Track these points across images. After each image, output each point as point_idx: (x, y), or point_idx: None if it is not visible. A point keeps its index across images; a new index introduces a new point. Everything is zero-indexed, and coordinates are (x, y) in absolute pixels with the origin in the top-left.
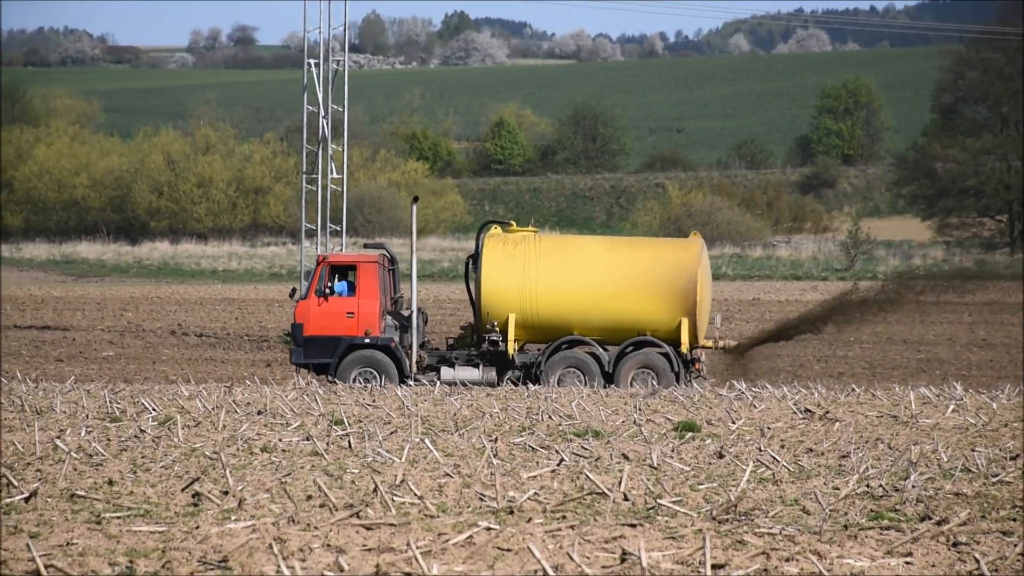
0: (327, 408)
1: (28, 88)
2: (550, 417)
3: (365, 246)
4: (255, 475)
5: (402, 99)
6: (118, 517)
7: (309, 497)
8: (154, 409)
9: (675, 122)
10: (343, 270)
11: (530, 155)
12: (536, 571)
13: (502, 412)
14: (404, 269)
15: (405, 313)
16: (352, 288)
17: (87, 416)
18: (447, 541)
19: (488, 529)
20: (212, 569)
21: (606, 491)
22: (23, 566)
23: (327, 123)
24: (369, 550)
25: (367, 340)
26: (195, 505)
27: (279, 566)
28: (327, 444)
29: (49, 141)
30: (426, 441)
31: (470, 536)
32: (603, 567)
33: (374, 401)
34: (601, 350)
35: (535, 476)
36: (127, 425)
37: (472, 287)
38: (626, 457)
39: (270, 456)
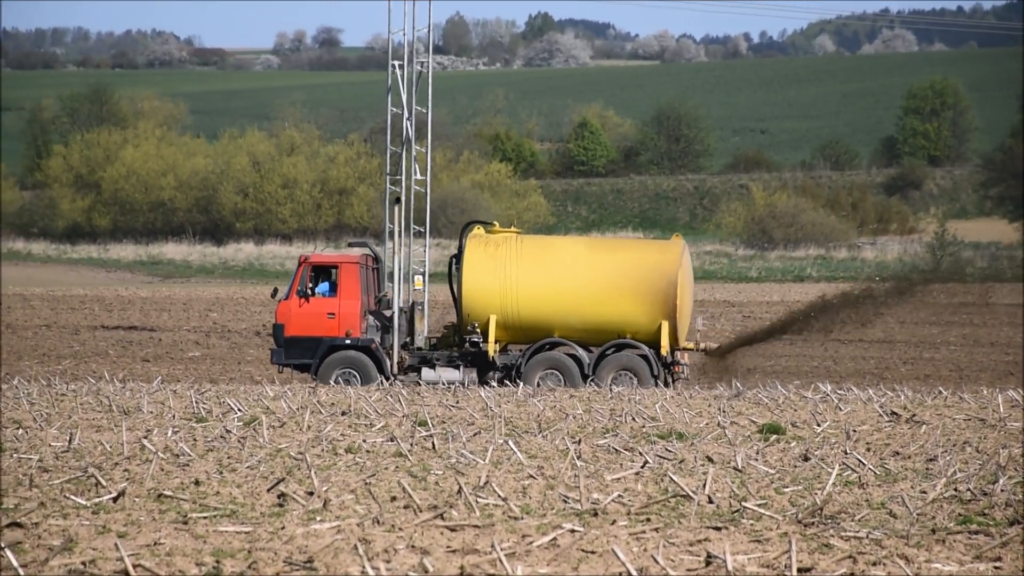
0: (411, 409)
1: (116, 90)
2: (634, 419)
3: (349, 244)
4: (340, 476)
5: (485, 100)
6: (204, 517)
7: (393, 498)
8: (240, 409)
9: (759, 123)
10: (325, 270)
11: (613, 156)
12: (620, 574)
13: (585, 414)
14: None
15: (388, 313)
16: (334, 289)
17: (174, 416)
18: (531, 543)
19: (572, 531)
20: (297, 570)
21: (690, 494)
22: (111, 565)
23: (411, 125)
24: (453, 551)
25: (348, 341)
26: (280, 505)
27: (364, 567)
28: (411, 445)
29: (136, 143)
30: (510, 443)
31: (554, 538)
32: (688, 570)
33: (458, 402)
34: (582, 352)
35: (619, 478)
36: (213, 425)
37: (454, 288)
38: (710, 459)
39: (354, 457)
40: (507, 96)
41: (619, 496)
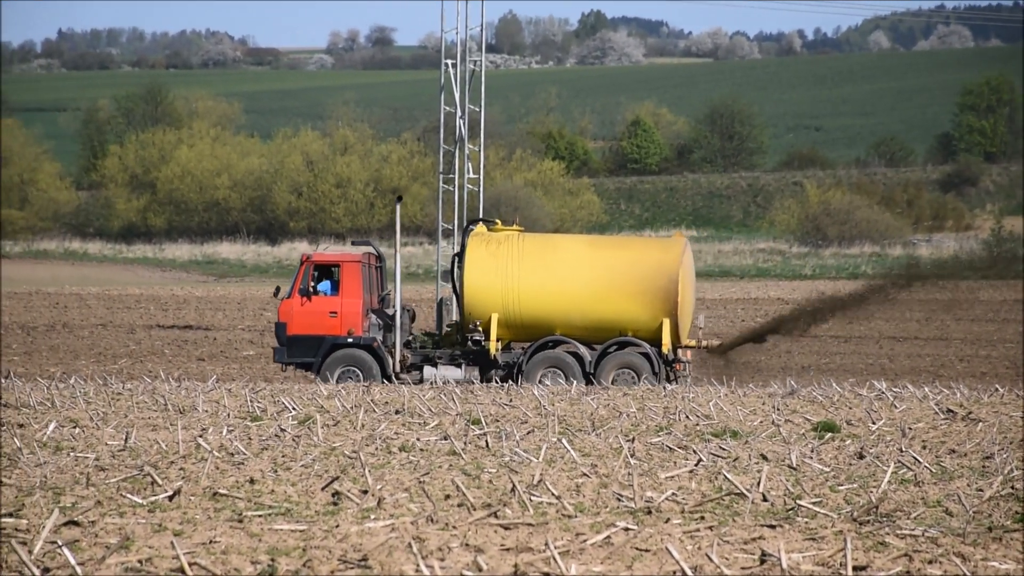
0: (464, 408)
1: (170, 90)
2: (687, 417)
3: (352, 243)
4: (394, 474)
5: (538, 99)
6: (259, 515)
7: (447, 496)
8: (294, 408)
9: (813, 120)
10: (327, 269)
11: (666, 154)
12: (675, 572)
13: (639, 412)
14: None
15: (390, 312)
16: (336, 287)
17: (228, 415)
18: (585, 541)
19: (626, 529)
20: (352, 568)
21: (745, 492)
22: (168, 564)
23: (464, 123)
24: (507, 550)
25: (350, 339)
26: (335, 504)
27: (418, 565)
28: (465, 443)
29: (191, 143)
30: (563, 441)
31: (608, 536)
32: (742, 568)
33: (511, 401)
34: (583, 350)
35: (673, 476)
36: (267, 424)
37: (456, 286)
38: (765, 457)
39: (408, 455)
40: (560, 94)
41: (673, 494)
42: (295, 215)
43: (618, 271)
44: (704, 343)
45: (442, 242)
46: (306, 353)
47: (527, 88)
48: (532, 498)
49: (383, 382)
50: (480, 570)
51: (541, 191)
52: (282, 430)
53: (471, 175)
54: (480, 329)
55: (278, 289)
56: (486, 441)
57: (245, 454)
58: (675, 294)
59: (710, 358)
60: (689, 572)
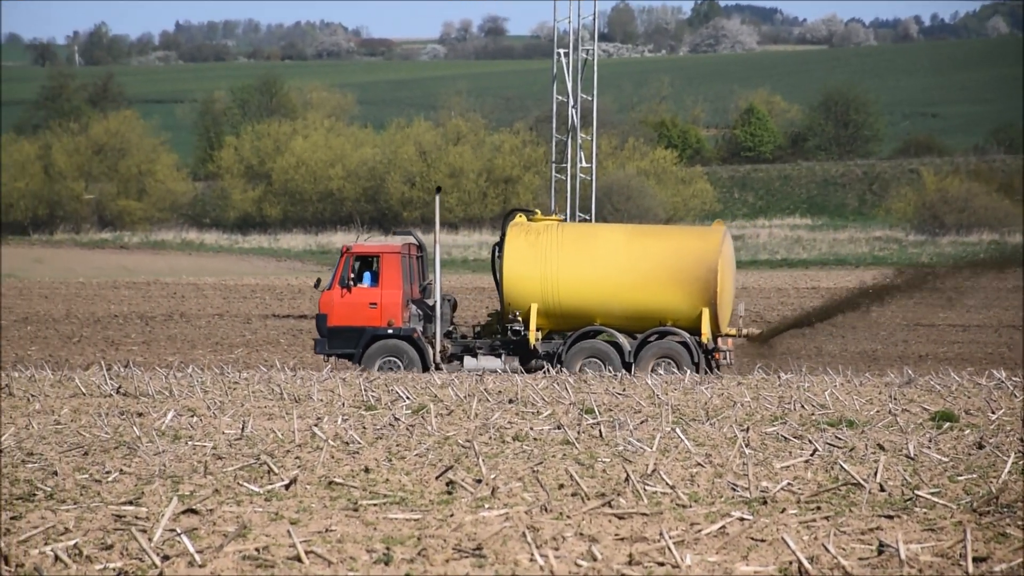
0: (577, 397)
1: (285, 82)
2: (803, 406)
3: (394, 233)
4: (507, 463)
5: (651, 87)
6: (374, 504)
7: (561, 486)
8: (408, 397)
9: (930, 107)
10: (367, 260)
11: (780, 142)
12: (791, 562)
13: (753, 401)
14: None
15: (430, 302)
16: (376, 278)
17: (343, 404)
18: (700, 531)
19: (741, 519)
20: (466, 557)
21: (861, 482)
22: (284, 552)
23: (576, 112)
24: (622, 539)
25: (390, 330)
26: (449, 493)
27: (532, 554)
28: (578, 433)
29: (305, 133)
30: (677, 430)
31: (723, 526)
32: (859, 559)
33: (624, 390)
34: (623, 339)
35: (788, 466)
36: (382, 413)
37: (497, 275)
38: (881, 447)
39: (522, 445)
40: (672, 83)
41: (788, 484)
42: (408, 205)
43: (657, 260)
44: (745, 331)
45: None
46: (347, 344)
47: (640, 77)
48: (646, 488)
49: (423, 372)
50: (594, 560)
51: (654, 180)
52: (396, 419)
53: (583, 164)
54: (520, 319)
55: (319, 281)
56: (600, 430)
57: (360, 443)
58: (714, 283)
59: (751, 346)
60: (805, 562)
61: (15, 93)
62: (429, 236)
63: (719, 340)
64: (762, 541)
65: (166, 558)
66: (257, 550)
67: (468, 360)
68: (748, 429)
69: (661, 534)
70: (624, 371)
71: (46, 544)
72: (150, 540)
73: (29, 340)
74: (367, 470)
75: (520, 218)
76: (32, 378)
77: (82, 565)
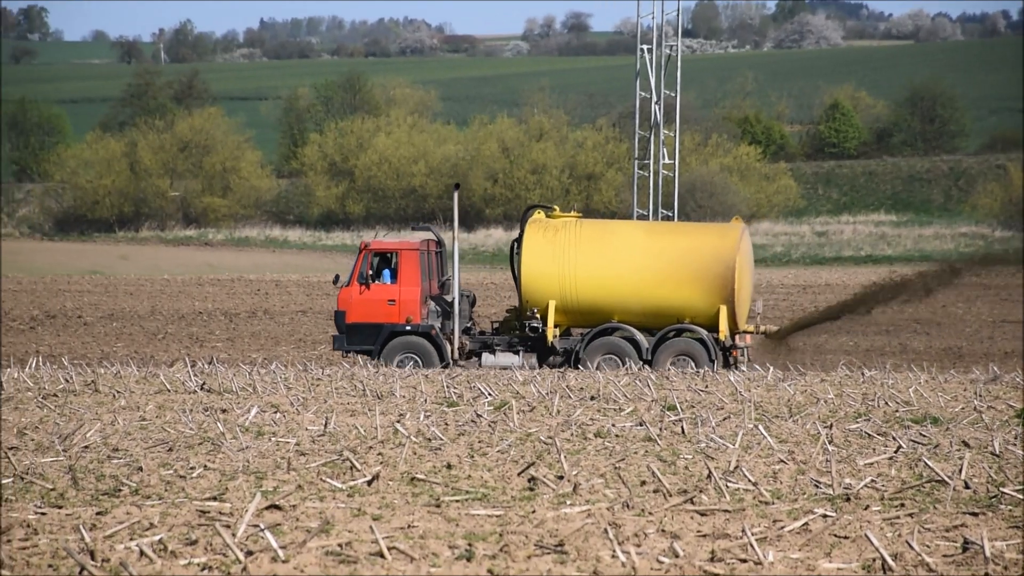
0: (659, 394)
1: (369, 78)
2: (886, 403)
3: (412, 228)
4: (589, 460)
5: (735, 83)
6: (456, 500)
7: (643, 482)
8: (490, 394)
9: (1017, 102)
10: (385, 257)
11: (865, 137)
12: (874, 559)
13: (837, 398)
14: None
15: (449, 298)
16: (394, 275)
17: (425, 400)
18: (782, 528)
19: (824, 516)
20: (548, 553)
21: (946, 479)
22: (367, 548)
23: (659, 108)
24: (703, 536)
25: (408, 327)
26: (531, 489)
27: (614, 551)
28: (660, 430)
29: (388, 130)
30: (759, 427)
31: (806, 523)
32: (944, 556)
33: (707, 387)
34: (641, 336)
35: (871, 463)
36: (464, 410)
37: (515, 272)
38: (966, 444)
39: (604, 441)
40: (756, 78)
41: (872, 481)
42: (491, 202)
43: (675, 258)
44: (762, 329)
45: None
46: (365, 341)
47: (723, 73)
48: (728, 484)
49: (442, 368)
50: (676, 556)
51: (737, 176)
52: (478, 415)
53: (666, 160)
54: (538, 316)
55: (337, 277)
56: (682, 427)
57: (442, 439)
58: (732, 281)
59: (768, 343)
60: (889, 559)
61: (101, 91)
62: (512, 232)
63: (737, 337)
64: (845, 538)
65: (249, 553)
66: (340, 546)
67: (486, 356)
68: (831, 426)
69: (743, 531)
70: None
71: (131, 539)
72: (234, 535)
73: (115, 337)
74: (449, 466)
75: (539, 215)
76: (118, 374)
77: (167, 560)
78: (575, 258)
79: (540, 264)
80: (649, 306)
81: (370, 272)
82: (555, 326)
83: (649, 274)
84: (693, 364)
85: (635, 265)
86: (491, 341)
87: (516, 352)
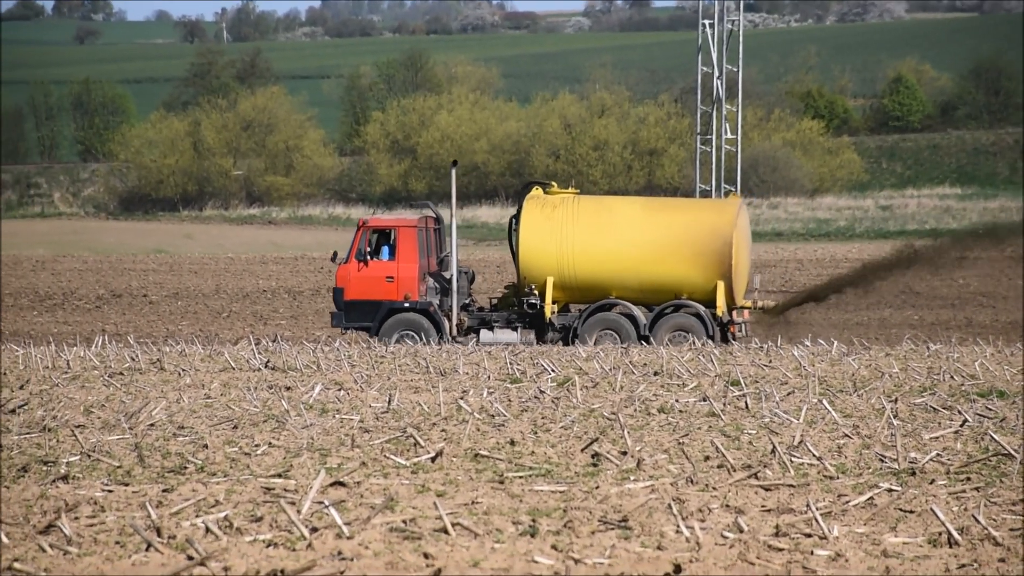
0: (723, 369)
1: (430, 56)
2: (952, 377)
3: (411, 205)
4: (653, 436)
5: (797, 57)
6: (520, 476)
7: (707, 458)
8: (553, 370)
9: None
10: (384, 234)
11: (930, 111)
12: (940, 533)
13: (902, 372)
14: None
15: (447, 275)
16: (392, 252)
17: (488, 377)
18: (847, 502)
19: (889, 491)
20: (612, 528)
21: (1012, 452)
22: (431, 524)
23: (721, 84)
24: (768, 511)
25: (406, 304)
26: (594, 465)
27: (679, 526)
28: (724, 405)
29: (450, 108)
30: (824, 402)
31: (871, 497)
32: (1010, 530)
33: (770, 362)
34: (638, 312)
35: (937, 437)
36: (527, 386)
37: (513, 248)
38: None
39: (667, 417)
40: (819, 52)
41: (937, 455)
42: (553, 178)
43: (672, 233)
44: (759, 304)
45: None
46: (363, 318)
47: (786, 47)
48: (792, 459)
49: (441, 345)
50: (741, 531)
51: (800, 151)
52: (541, 392)
53: (728, 135)
54: (536, 292)
55: (335, 254)
56: (745, 402)
57: (505, 416)
58: (729, 256)
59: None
60: (955, 533)
61: (164, 71)
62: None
63: (734, 313)
64: (911, 512)
65: (314, 530)
66: (404, 522)
67: (484, 333)
68: (896, 400)
69: (808, 505)
70: (640, 343)
71: (197, 516)
72: (298, 512)
73: (179, 315)
74: (512, 443)
75: (537, 191)
76: (183, 353)
77: (232, 537)
78: (573, 234)
79: (538, 240)
80: (647, 282)
81: (368, 249)
82: (553, 302)
83: (647, 250)
84: (692, 340)
85: (633, 241)
86: (489, 318)
87: (514, 328)
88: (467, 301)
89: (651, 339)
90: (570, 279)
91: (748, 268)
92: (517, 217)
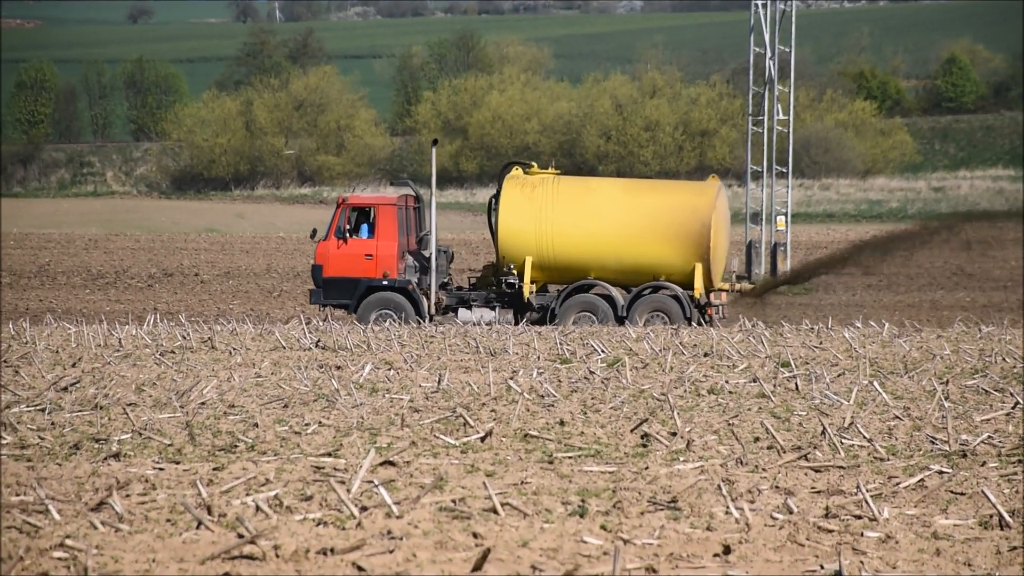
0: (773, 350)
1: (482, 36)
2: (1004, 359)
3: (391, 184)
4: (702, 416)
5: (850, 38)
6: (569, 457)
7: (756, 439)
8: (603, 351)
9: None
10: (363, 212)
11: (983, 92)
12: (991, 515)
13: (953, 354)
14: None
15: (426, 253)
16: (372, 230)
17: (538, 358)
18: (897, 484)
19: (940, 473)
20: (661, 509)
21: None
22: (480, 503)
23: (774, 64)
24: (818, 492)
25: (385, 282)
26: (644, 446)
27: (728, 507)
28: (774, 386)
29: (502, 88)
30: (874, 383)
31: (921, 480)
32: None
33: (821, 343)
34: (616, 293)
35: (988, 419)
36: (577, 367)
37: (492, 228)
38: None
39: (717, 398)
40: (872, 33)
41: (989, 437)
42: (604, 159)
43: (651, 215)
44: (737, 286)
45: (751, 184)
46: (342, 295)
47: (839, 27)
48: (843, 441)
49: (419, 323)
50: (790, 512)
51: (852, 132)
52: (591, 372)
53: (780, 116)
54: (514, 272)
55: (314, 231)
56: (796, 384)
57: (555, 396)
58: (707, 239)
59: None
60: (1006, 515)
61: (217, 50)
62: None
63: (712, 295)
64: (961, 495)
65: (364, 509)
66: (453, 502)
67: (462, 312)
68: (948, 382)
69: (858, 487)
70: (617, 324)
71: (247, 495)
72: (348, 491)
73: (231, 294)
74: (562, 423)
75: (516, 171)
76: (234, 331)
77: (282, 515)
78: (552, 215)
79: (517, 220)
80: (625, 263)
81: (347, 227)
82: (532, 282)
83: (626, 231)
84: (669, 321)
85: (612, 222)
86: (468, 297)
87: (492, 308)
88: (445, 280)
89: (627, 320)
90: (549, 259)
91: (726, 251)
92: (497, 197)
